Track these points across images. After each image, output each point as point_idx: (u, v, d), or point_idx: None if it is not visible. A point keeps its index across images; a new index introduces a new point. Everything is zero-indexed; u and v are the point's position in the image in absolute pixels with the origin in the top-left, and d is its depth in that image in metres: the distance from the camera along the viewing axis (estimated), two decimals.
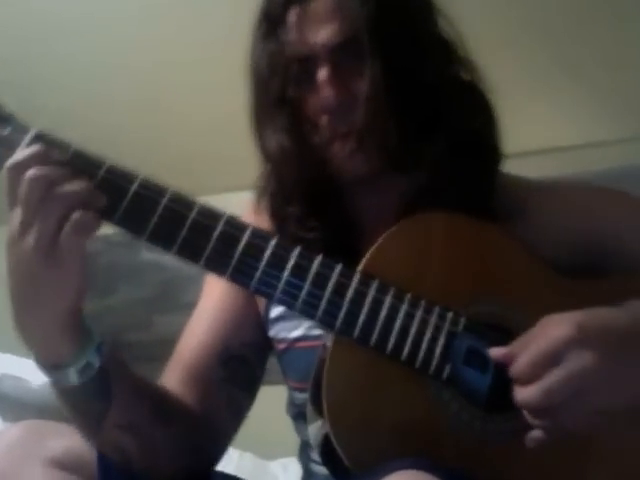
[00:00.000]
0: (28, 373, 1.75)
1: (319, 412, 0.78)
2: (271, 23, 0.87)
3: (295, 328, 0.93)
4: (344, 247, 0.87)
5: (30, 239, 0.69)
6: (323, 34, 0.84)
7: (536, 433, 0.72)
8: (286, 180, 0.89)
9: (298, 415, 0.95)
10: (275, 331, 0.95)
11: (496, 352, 0.75)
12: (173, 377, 0.92)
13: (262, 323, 0.96)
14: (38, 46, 2.40)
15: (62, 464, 0.80)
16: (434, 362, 0.78)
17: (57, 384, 0.76)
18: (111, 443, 0.80)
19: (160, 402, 0.85)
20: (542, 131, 2.38)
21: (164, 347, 0.97)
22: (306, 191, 0.88)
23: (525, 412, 0.72)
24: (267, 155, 0.90)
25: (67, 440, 0.82)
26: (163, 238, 0.76)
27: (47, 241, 0.69)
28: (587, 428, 0.71)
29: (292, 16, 0.85)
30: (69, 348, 0.74)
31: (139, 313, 2.55)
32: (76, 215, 0.69)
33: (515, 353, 0.73)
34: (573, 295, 0.80)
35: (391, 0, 0.86)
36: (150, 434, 0.82)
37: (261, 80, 0.89)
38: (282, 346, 0.94)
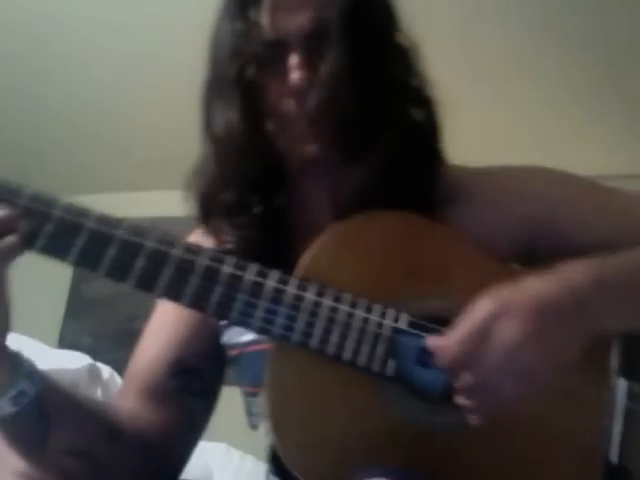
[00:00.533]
0: (32, 357, 1.74)
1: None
2: (241, 2, 0.86)
3: (246, 332, 0.92)
4: (276, 241, 0.87)
5: None
6: (297, 20, 0.83)
7: (472, 418, 0.72)
8: (227, 161, 0.87)
9: (255, 427, 0.94)
10: (227, 337, 0.94)
11: (432, 342, 0.74)
12: (128, 393, 0.91)
13: (216, 332, 0.95)
14: None
15: (31, 477, 0.82)
16: (378, 360, 0.78)
17: None
18: (57, 468, 0.80)
19: (107, 421, 0.84)
20: (599, 157, 2.31)
21: (125, 373, 0.96)
22: (246, 174, 0.87)
23: (459, 396, 0.72)
24: (212, 133, 0.88)
25: None
26: (90, 260, 0.75)
27: None
28: (518, 397, 0.71)
29: None
30: None
31: (154, 301, 2.55)
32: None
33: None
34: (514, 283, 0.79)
35: None
36: (99, 455, 0.82)
37: (221, 58, 0.87)
38: (234, 352, 0.94)
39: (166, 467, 0.91)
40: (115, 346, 2.67)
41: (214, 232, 0.90)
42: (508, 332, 0.69)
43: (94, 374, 1.80)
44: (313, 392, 0.78)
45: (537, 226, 0.87)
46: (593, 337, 0.73)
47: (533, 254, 0.87)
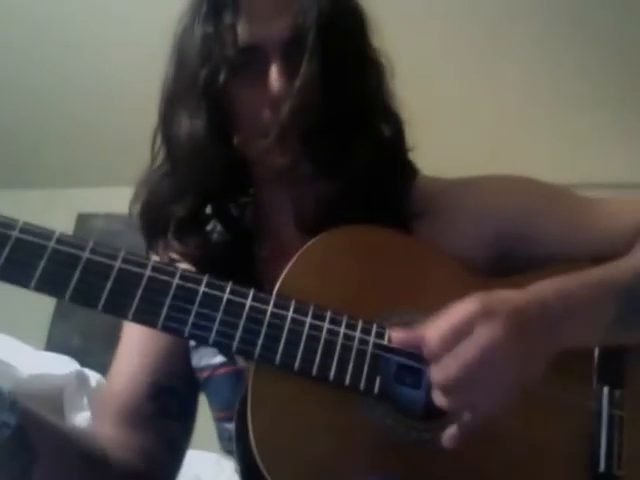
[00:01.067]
0: (19, 360, 1.68)
1: (245, 447, 0.75)
2: (215, 5, 0.82)
3: (216, 354, 0.88)
4: (235, 254, 0.85)
5: None
6: (275, 27, 0.80)
7: (451, 430, 0.70)
8: (187, 170, 0.83)
9: (230, 452, 0.90)
10: (197, 359, 0.91)
11: (398, 335, 0.73)
12: (105, 420, 0.88)
13: (187, 351, 0.92)
14: None
15: None
16: (364, 377, 0.75)
17: None
18: None
19: (90, 450, 0.82)
20: (610, 165, 2.29)
21: (97, 400, 0.94)
22: (205, 185, 0.83)
23: (437, 393, 0.70)
24: (173, 141, 0.84)
25: None
26: (53, 285, 0.70)
27: None
28: (498, 406, 0.70)
29: (242, 3, 0.80)
30: None
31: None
32: None
33: (419, 334, 0.71)
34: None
35: (341, 8, 0.84)
36: None
37: (188, 62, 0.82)
38: (205, 374, 0.90)
39: None
40: (105, 347, 2.60)
41: (162, 249, 0.86)
42: (491, 331, 0.68)
43: (82, 380, 1.76)
44: (298, 415, 0.75)
45: (509, 237, 0.86)
46: (562, 348, 0.73)
47: (505, 264, 0.86)
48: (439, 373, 0.69)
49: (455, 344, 0.68)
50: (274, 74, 0.79)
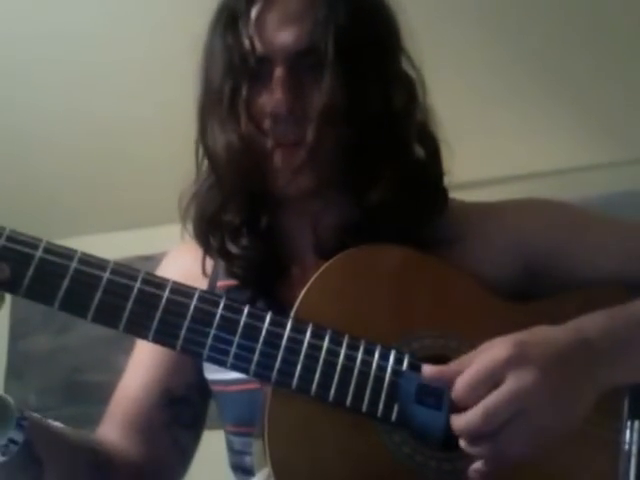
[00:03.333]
0: None
1: None
2: (232, 15, 0.82)
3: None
4: (271, 266, 0.84)
5: None
6: (284, 36, 0.80)
7: (478, 465, 0.68)
8: (228, 182, 0.84)
9: (237, 466, 0.90)
10: (209, 372, 0.90)
11: (429, 371, 0.71)
12: (113, 427, 0.89)
13: (200, 363, 0.91)
14: None
15: None
16: (381, 404, 0.74)
17: None
18: None
19: (98, 457, 0.82)
20: (530, 155, 2.35)
21: (108, 407, 0.93)
22: (246, 196, 0.84)
23: (462, 441, 0.68)
24: (212, 155, 0.85)
25: None
26: (76, 305, 0.71)
27: None
28: (530, 453, 0.68)
29: (256, 10, 0.81)
30: None
31: (98, 352, 2.49)
32: None
33: (452, 373, 0.70)
34: (515, 320, 0.77)
35: (362, 14, 0.82)
36: None
37: (215, 74, 0.83)
38: (217, 388, 0.90)
39: None
40: (63, 401, 2.61)
41: (215, 256, 0.87)
42: (521, 381, 0.66)
43: None
44: (315, 440, 0.74)
45: (536, 262, 0.85)
46: (606, 389, 0.71)
47: (532, 288, 0.84)
48: (462, 422, 0.67)
49: (482, 393, 0.66)
50: (275, 82, 0.79)
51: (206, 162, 0.87)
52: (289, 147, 0.81)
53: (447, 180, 0.88)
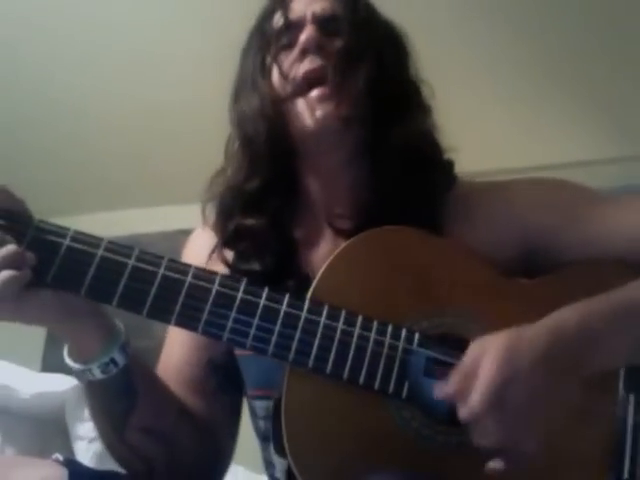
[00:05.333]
0: (18, 382, 1.74)
1: (278, 447, 0.78)
2: (275, 4, 0.95)
3: None
4: (286, 238, 0.90)
5: None
6: (314, 6, 0.92)
7: (495, 464, 0.72)
8: (255, 140, 0.90)
9: (258, 431, 0.95)
10: None
11: (440, 392, 0.74)
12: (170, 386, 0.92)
13: None
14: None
15: None
16: (392, 382, 0.78)
17: (81, 379, 0.79)
18: (134, 448, 0.82)
19: (181, 407, 0.87)
20: (540, 148, 2.36)
21: None
22: (270, 157, 0.90)
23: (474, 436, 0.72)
24: (242, 117, 0.92)
25: (37, 472, 0.80)
26: (102, 292, 0.74)
27: None
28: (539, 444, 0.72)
29: None
30: (93, 345, 0.77)
31: (139, 319, 2.52)
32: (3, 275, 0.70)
33: (458, 391, 0.72)
34: (520, 295, 0.82)
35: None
36: (171, 436, 0.84)
37: (250, 51, 0.94)
38: (238, 353, 0.94)
39: (220, 455, 0.94)
40: None
41: (232, 231, 0.91)
42: (520, 395, 0.70)
43: (80, 393, 1.78)
44: (328, 416, 0.78)
45: (538, 240, 0.88)
46: (588, 374, 0.75)
47: (530, 265, 0.88)
48: (484, 440, 0.71)
49: (492, 413, 0.70)
50: (306, 30, 0.90)
51: (235, 145, 0.93)
52: (314, 81, 0.88)
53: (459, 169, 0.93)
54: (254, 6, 0.97)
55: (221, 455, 0.95)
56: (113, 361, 0.77)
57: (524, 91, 2.25)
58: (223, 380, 0.95)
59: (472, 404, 0.70)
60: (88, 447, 1.63)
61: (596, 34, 2.11)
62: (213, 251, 0.92)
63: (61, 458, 0.80)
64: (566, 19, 2.08)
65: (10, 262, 0.70)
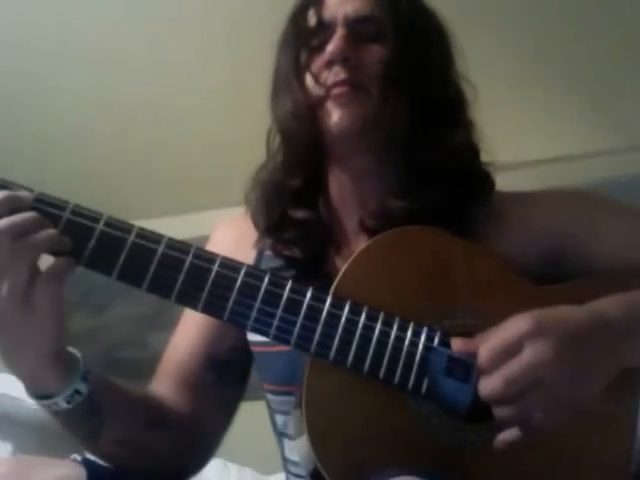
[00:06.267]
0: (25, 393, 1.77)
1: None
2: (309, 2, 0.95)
3: None
4: (326, 231, 0.92)
5: (2, 291, 0.70)
6: (348, 5, 0.91)
7: (503, 434, 0.73)
8: (293, 145, 0.93)
9: (275, 425, 0.97)
10: (252, 334, 0.95)
11: (458, 344, 0.76)
12: (163, 384, 0.95)
13: None
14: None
15: None
16: (412, 378, 0.79)
17: (47, 409, 0.79)
18: (108, 456, 0.84)
19: (152, 411, 0.89)
20: (541, 140, 2.39)
21: (159, 365, 0.99)
22: (308, 155, 0.92)
23: (492, 406, 0.73)
24: (280, 119, 0.94)
25: (56, 472, 0.81)
26: (133, 275, 0.76)
27: (20, 291, 0.70)
28: (550, 423, 0.72)
29: None
30: (54, 381, 0.77)
31: (134, 330, 2.53)
32: (57, 260, 0.72)
33: (476, 343, 0.74)
34: (544, 302, 0.80)
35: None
36: (145, 444, 0.86)
37: (284, 52, 0.95)
38: (257, 349, 0.96)
39: (198, 453, 0.95)
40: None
41: (278, 220, 0.94)
42: (539, 351, 0.70)
43: None
44: (348, 410, 0.79)
45: (563, 248, 0.90)
46: (623, 367, 0.75)
47: (555, 272, 0.88)
48: (486, 387, 0.72)
49: (503, 360, 0.71)
50: (334, 38, 0.89)
51: (276, 142, 0.95)
52: (340, 86, 0.89)
53: None
54: None
55: (203, 450, 0.96)
56: (77, 391, 0.78)
57: (527, 83, 2.26)
58: (222, 376, 0.96)
59: (485, 345, 0.71)
60: None
61: (604, 23, 2.11)
62: (258, 241, 0.95)
63: (79, 458, 0.82)
64: (574, 9, 2.09)
65: (55, 246, 0.72)
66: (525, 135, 2.37)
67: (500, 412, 0.72)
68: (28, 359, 0.75)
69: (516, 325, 0.72)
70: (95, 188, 2.35)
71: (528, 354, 0.70)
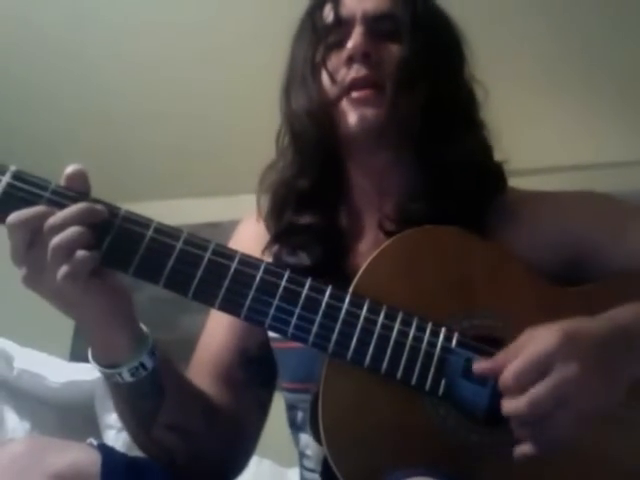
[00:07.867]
0: (48, 371, 1.75)
1: (317, 436, 0.79)
2: None
3: None
4: (336, 236, 0.91)
5: (53, 280, 0.71)
6: (366, 2, 0.90)
7: (523, 447, 0.72)
8: (305, 138, 0.91)
9: (291, 422, 0.97)
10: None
11: (482, 366, 0.75)
12: (201, 379, 0.94)
13: None
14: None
15: (64, 478, 0.81)
16: (429, 379, 0.78)
17: (110, 381, 0.80)
18: (159, 443, 0.84)
19: (208, 401, 0.89)
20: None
21: (189, 347, 1.00)
22: (320, 155, 0.91)
23: (513, 423, 0.72)
24: (293, 116, 0.92)
25: (71, 455, 0.81)
26: (150, 271, 0.76)
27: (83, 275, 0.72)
28: (573, 437, 0.72)
29: None
30: (123, 350, 0.78)
31: (165, 312, 2.53)
32: (78, 254, 0.71)
33: (500, 365, 0.73)
34: (563, 304, 0.81)
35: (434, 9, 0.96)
36: (196, 435, 0.86)
37: (299, 47, 0.94)
38: (276, 345, 0.95)
39: (244, 451, 0.96)
40: None
41: (285, 227, 0.93)
42: (569, 372, 0.69)
43: None
44: (365, 408, 0.78)
45: (581, 251, 0.88)
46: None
47: (572, 275, 0.87)
48: (509, 407, 0.71)
49: (530, 382, 0.69)
50: (354, 35, 0.88)
51: (286, 140, 0.94)
52: (359, 85, 0.88)
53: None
54: None
55: (243, 448, 0.96)
56: (142, 365, 0.78)
57: (573, 88, 2.25)
58: (255, 373, 0.96)
59: (512, 365, 0.70)
60: (117, 436, 1.64)
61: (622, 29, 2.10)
62: (266, 247, 0.93)
63: (95, 443, 0.82)
64: (616, 16, 2.07)
65: (84, 242, 0.72)
66: (571, 139, 2.36)
67: (521, 430, 0.72)
68: (96, 327, 0.77)
69: (544, 342, 0.70)
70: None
71: (556, 375, 0.69)
